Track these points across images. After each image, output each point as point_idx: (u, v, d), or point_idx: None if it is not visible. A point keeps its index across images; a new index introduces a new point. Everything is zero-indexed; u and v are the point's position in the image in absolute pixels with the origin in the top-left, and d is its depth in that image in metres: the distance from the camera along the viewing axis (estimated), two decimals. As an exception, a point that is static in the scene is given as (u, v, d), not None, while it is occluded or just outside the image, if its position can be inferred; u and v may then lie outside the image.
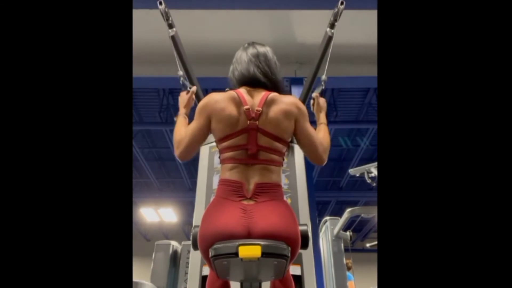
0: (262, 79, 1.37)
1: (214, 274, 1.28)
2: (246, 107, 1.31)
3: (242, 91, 1.36)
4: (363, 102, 6.18)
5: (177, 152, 1.38)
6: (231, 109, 1.31)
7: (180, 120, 1.52)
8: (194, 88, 1.65)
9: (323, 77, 1.87)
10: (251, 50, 1.43)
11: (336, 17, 2.00)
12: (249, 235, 1.19)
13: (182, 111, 1.58)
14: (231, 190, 1.26)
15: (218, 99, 1.34)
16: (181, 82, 1.88)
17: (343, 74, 4.21)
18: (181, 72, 1.90)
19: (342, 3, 1.99)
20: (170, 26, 2.01)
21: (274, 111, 1.32)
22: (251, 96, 1.35)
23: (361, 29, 3.45)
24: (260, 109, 1.31)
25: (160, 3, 1.99)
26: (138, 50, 2.59)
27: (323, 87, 1.83)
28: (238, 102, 1.32)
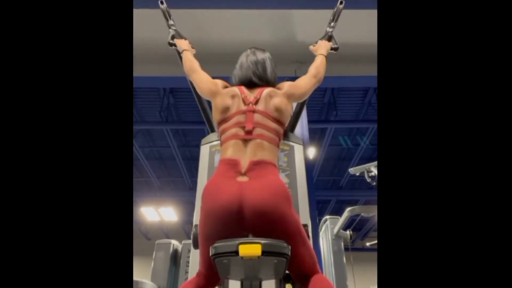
0: (258, 82, 1.56)
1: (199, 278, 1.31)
2: (244, 95, 1.50)
3: (242, 87, 1.55)
4: (363, 101, 6.19)
5: (187, 73, 1.74)
6: (228, 98, 1.50)
7: (189, 53, 1.82)
8: (174, 30, 1.95)
9: (332, 25, 1.99)
10: (251, 58, 1.62)
11: (335, 17, 2.01)
12: (241, 209, 1.22)
13: (189, 48, 1.87)
14: (228, 168, 1.33)
15: (223, 89, 1.56)
16: (172, 34, 1.97)
17: (343, 74, 4.21)
18: (172, 31, 1.99)
19: (341, 3, 1.99)
20: (171, 25, 2.01)
21: (273, 99, 1.49)
22: (249, 90, 1.54)
23: (361, 28, 3.45)
24: (258, 96, 1.49)
25: (162, 3, 2.00)
26: (138, 49, 2.60)
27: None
28: (236, 93, 1.51)
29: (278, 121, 1.46)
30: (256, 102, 1.46)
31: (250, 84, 1.55)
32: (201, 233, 1.31)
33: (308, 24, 3.75)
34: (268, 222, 1.23)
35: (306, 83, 1.62)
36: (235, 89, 1.53)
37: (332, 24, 1.98)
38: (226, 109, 1.47)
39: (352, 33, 3.50)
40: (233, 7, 3.62)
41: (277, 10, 3.67)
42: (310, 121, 4.55)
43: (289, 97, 1.53)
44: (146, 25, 3.17)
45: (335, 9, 2.01)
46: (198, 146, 2.33)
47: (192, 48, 1.90)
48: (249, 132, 1.39)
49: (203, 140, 2.30)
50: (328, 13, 2.05)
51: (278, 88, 1.56)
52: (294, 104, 1.97)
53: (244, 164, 1.33)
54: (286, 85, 1.56)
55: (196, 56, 1.85)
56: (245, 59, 1.62)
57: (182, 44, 1.90)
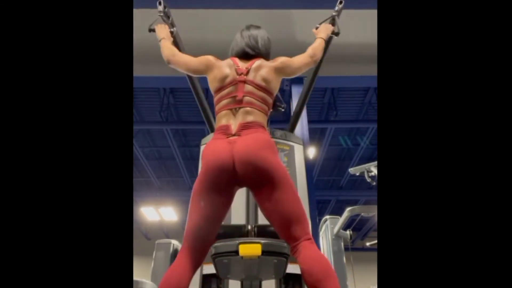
0: (251, 52, 1.66)
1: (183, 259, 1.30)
2: (236, 66, 1.61)
3: (235, 58, 1.66)
4: (363, 101, 6.19)
5: (167, 59, 1.71)
6: (226, 68, 1.60)
7: (167, 41, 1.81)
8: (174, 29, 1.96)
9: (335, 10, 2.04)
10: (245, 32, 1.72)
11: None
12: (233, 163, 1.35)
13: (167, 36, 1.85)
14: (221, 132, 1.47)
15: (218, 61, 1.65)
16: (160, 16, 1.99)
17: (343, 74, 4.22)
18: (161, 8, 2.01)
19: (341, 2, 2.00)
20: (171, 25, 2.02)
21: (261, 70, 1.58)
22: (242, 61, 1.64)
23: (361, 28, 3.45)
24: (249, 67, 1.59)
25: (160, 3, 2.00)
26: (138, 49, 2.60)
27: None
28: (232, 64, 1.62)
29: (266, 90, 1.56)
30: (247, 73, 1.57)
31: (243, 55, 1.66)
32: (197, 189, 1.38)
33: (308, 24, 3.74)
34: (256, 170, 1.34)
35: (300, 61, 1.68)
36: (229, 60, 1.64)
37: (336, 8, 2.03)
38: (224, 78, 1.57)
39: (352, 33, 3.50)
40: (232, 7, 3.63)
41: (277, 10, 3.67)
42: (310, 121, 4.55)
43: (279, 70, 1.62)
44: (146, 25, 3.17)
45: (335, 9, 2.01)
46: (198, 146, 2.33)
47: (172, 36, 1.89)
48: (239, 101, 1.52)
49: (203, 140, 2.30)
50: (328, 13, 2.05)
51: (272, 61, 1.65)
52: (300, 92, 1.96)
53: (234, 127, 1.47)
54: (280, 60, 1.64)
55: (185, 51, 1.86)
56: (240, 35, 1.72)
57: (161, 32, 1.86)
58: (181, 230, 10.87)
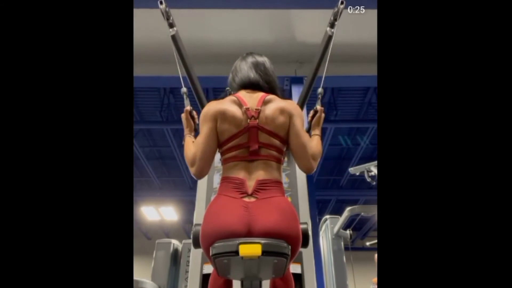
0: (261, 82, 1.44)
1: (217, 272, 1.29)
2: (246, 107, 1.36)
3: (241, 94, 1.42)
4: (363, 101, 6.18)
5: (193, 171, 1.36)
6: (233, 110, 1.36)
7: (187, 140, 1.49)
8: (188, 108, 1.59)
9: (320, 90, 1.83)
10: (251, 59, 1.50)
11: (336, 17, 2.01)
12: (249, 233, 1.20)
13: (186, 132, 1.54)
14: (233, 187, 1.29)
15: (219, 104, 1.39)
16: (185, 100, 1.76)
17: (343, 73, 4.21)
18: (185, 89, 1.85)
19: (342, 3, 2.00)
20: (171, 25, 2.02)
21: (271, 108, 1.37)
22: (250, 97, 1.40)
23: (361, 28, 3.45)
24: (259, 107, 1.37)
25: (161, 3, 2.00)
26: (139, 49, 2.60)
27: (321, 96, 1.81)
28: (238, 104, 1.38)
29: (280, 137, 1.36)
30: (258, 115, 1.35)
31: (251, 86, 1.43)
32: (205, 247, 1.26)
33: (308, 24, 3.75)
34: (274, 237, 1.20)
35: (305, 139, 1.38)
36: (234, 99, 1.39)
37: (319, 104, 1.74)
38: (234, 123, 1.33)
39: (352, 33, 3.50)
40: (233, 7, 3.63)
41: (277, 10, 3.67)
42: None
43: (284, 113, 1.37)
44: (146, 25, 3.17)
45: (335, 9, 2.01)
46: (198, 146, 2.33)
47: (194, 129, 1.58)
48: (254, 153, 1.32)
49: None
50: (328, 13, 2.05)
51: (283, 100, 1.42)
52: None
53: (251, 183, 1.28)
54: (291, 103, 1.42)
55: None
56: (243, 62, 1.50)
57: (186, 124, 1.55)
58: (182, 229, 10.90)
